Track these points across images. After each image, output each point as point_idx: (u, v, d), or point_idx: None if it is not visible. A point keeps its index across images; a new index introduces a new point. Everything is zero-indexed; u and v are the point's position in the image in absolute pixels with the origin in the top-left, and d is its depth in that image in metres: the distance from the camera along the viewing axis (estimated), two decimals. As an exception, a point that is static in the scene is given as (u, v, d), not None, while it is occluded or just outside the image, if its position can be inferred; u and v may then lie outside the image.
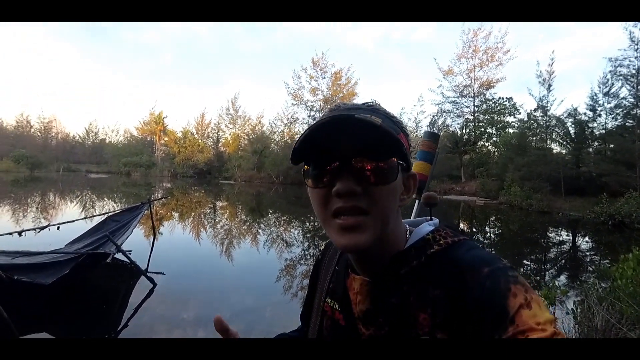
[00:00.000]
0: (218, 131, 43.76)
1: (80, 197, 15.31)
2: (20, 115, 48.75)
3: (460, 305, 0.42)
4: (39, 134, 48.45)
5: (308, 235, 8.99)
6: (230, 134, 41.84)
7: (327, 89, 35.96)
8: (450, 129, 31.49)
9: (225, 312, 3.60)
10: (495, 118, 27.72)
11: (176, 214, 11.28)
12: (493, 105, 27.71)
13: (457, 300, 0.42)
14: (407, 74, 63.20)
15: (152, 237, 4.92)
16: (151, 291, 3.82)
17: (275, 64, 73.01)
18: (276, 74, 75.10)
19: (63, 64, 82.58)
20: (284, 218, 12.28)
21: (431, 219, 0.58)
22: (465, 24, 27.20)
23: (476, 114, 29.30)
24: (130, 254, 3.92)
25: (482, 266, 0.43)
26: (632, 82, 18.05)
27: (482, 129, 28.84)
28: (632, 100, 18.18)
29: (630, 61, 17.74)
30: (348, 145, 0.45)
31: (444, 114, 32.82)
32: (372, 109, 0.50)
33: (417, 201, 1.01)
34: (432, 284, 0.46)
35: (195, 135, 43.04)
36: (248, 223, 10.42)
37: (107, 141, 50.76)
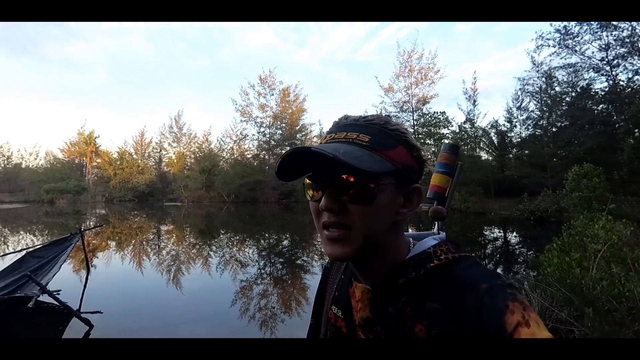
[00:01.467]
0: (160, 150, 41.09)
1: (-13, 233, 12.92)
2: None
3: (457, 320, 0.42)
4: None
5: (264, 253, 8.72)
6: (174, 153, 39.50)
7: (276, 105, 36.17)
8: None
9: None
10: (432, 130, 30.47)
11: (113, 243, 10.13)
12: (429, 119, 30.45)
13: (455, 315, 0.43)
14: (352, 91, 66.48)
15: (85, 272, 4.31)
16: (87, 335, 3.32)
17: (222, 80, 71.44)
18: (223, 90, 73.14)
19: (-36, 79, 70.68)
20: (237, 237, 11.78)
21: (438, 233, 0.59)
22: (399, 47, 29.84)
23: (416, 127, 31.85)
24: (58, 294, 3.38)
25: (481, 282, 0.43)
26: (537, 97, 21.57)
27: (422, 141, 31.42)
28: (538, 112, 21.68)
29: (534, 80, 21.26)
30: (331, 166, 0.47)
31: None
32: (368, 123, 0.51)
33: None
34: (430, 298, 0.47)
35: (134, 156, 39.74)
36: (197, 246, 9.78)
37: (23, 165, 44.17)
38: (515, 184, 20.18)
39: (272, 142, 36.57)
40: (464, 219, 15.54)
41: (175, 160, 38.17)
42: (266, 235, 12.33)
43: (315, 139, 40.29)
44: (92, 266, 6.47)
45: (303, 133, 38.24)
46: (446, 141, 28.65)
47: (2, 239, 11.32)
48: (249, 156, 35.91)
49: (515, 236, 11.49)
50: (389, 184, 0.49)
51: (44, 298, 3.33)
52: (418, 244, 0.55)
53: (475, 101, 24.90)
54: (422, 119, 31.01)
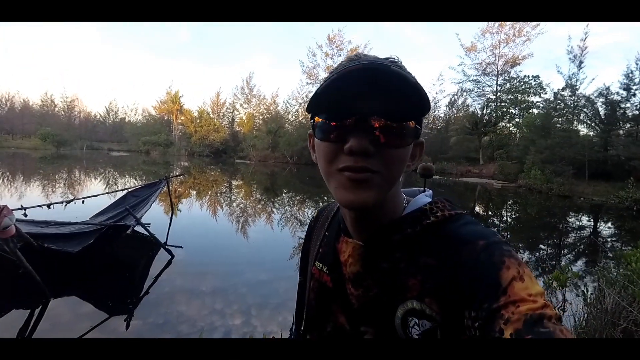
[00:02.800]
0: (233, 111, 43.94)
1: (103, 174, 15.96)
2: (44, 94, 50.57)
3: (453, 275, 0.43)
4: (62, 112, 50.19)
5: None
6: (245, 114, 41.96)
7: (343, 67, 35.02)
8: (470, 109, 30.34)
9: (241, 286, 3.77)
10: (519, 98, 26.39)
11: (194, 192, 11.62)
12: (517, 84, 26.30)
13: (450, 270, 0.43)
14: (428, 51, 60.54)
15: (170, 212, 5.12)
16: (169, 262, 4.03)
17: (292, 41, 71.50)
18: (293, 52, 73.73)
19: (82, 41, 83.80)
20: (298, 198, 12.43)
21: (424, 190, 0.57)
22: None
23: (499, 94, 27.96)
24: (149, 227, 4.11)
25: (478, 239, 0.43)
26: (674, 57, 16.65)
27: (505, 110, 27.62)
28: (672, 78, 16.86)
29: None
30: (369, 101, 0.43)
31: (465, 93, 31.58)
32: (398, 65, 0.45)
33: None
34: (425, 253, 0.47)
35: (211, 115, 43.41)
36: (263, 202, 10.62)
37: (126, 120, 52.13)
38: (620, 167, 16.75)
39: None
40: (543, 202, 13.74)
41: (245, 121, 40.63)
42: (324, 197, 12.75)
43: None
44: (177, 209, 7.60)
45: (369, 97, 36.76)
46: (535, 111, 24.79)
47: (114, 179, 13.89)
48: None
49: (609, 227, 9.82)
50: (419, 129, 0.47)
51: (139, 229, 4.09)
52: (412, 200, 0.54)
53: (581, 63, 20.31)
54: (507, 84, 27.00)
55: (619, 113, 19.48)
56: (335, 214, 0.64)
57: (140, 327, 2.76)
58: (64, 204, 4.17)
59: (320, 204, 11.00)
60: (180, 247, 4.50)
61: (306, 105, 0.47)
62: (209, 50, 78.18)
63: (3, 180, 11.97)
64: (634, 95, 18.85)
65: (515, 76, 26.61)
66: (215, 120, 42.34)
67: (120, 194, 5.22)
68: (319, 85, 0.44)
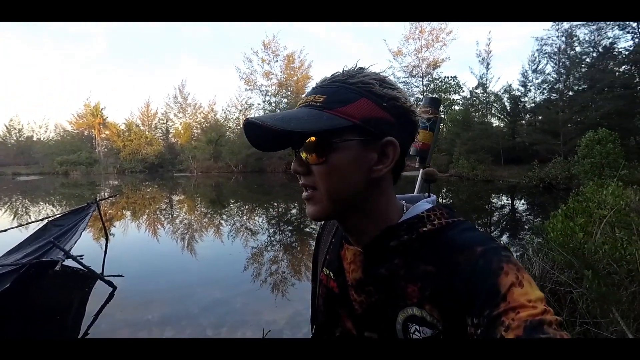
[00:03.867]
0: (167, 121, 40.99)
1: (9, 203, 13.50)
2: None
3: (452, 283, 0.43)
4: (-57, 134, 41.23)
5: (273, 221, 8.97)
6: (180, 124, 39.39)
7: (281, 72, 35.09)
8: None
9: (193, 307, 3.52)
10: (443, 96, 29.42)
11: (128, 213, 10.51)
12: (440, 84, 29.26)
13: (449, 277, 0.44)
14: (359, 56, 63.80)
15: (104, 239, 4.55)
16: (111, 295, 3.59)
17: (225, 47, 69.15)
18: (226, 57, 71.14)
19: (-35, 50, 69.95)
20: (247, 207, 12.07)
21: (429, 196, 0.59)
22: (411, 5, 27.95)
23: (425, 93, 30.76)
24: (82, 259, 3.60)
25: (476, 246, 0.44)
26: (555, 59, 20.39)
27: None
28: (555, 75, 20.61)
29: (552, 40, 19.97)
30: (291, 133, 0.50)
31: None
32: (329, 82, 0.50)
33: (420, 171, 0.96)
34: (423, 260, 0.47)
35: (141, 127, 39.81)
36: (209, 215, 10.08)
37: (35, 138, 44.83)
38: (526, 152, 19.78)
39: (278, 111, 35.96)
40: (471, 187, 15.52)
41: (182, 131, 38.15)
42: (274, 204, 12.57)
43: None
44: (110, 234, 6.79)
45: (309, 101, 37.33)
46: (457, 107, 27.88)
47: (24, 209, 11.84)
48: (255, 126, 35.64)
49: (523, 204, 11.49)
50: (347, 141, 0.47)
51: (69, 263, 3.57)
52: (411, 207, 0.54)
53: (488, 65, 23.73)
54: (432, 84, 29.87)
55: (520, 106, 23.31)
56: None
57: None
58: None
59: (271, 211, 10.84)
60: (121, 275, 4.04)
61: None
62: (130, 58, 71.34)
63: None
64: (529, 90, 22.91)
65: (437, 77, 29.55)
66: (147, 133, 38.94)
67: (36, 225, 4.48)
68: (255, 97, 0.50)
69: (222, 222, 8.85)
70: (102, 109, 40.74)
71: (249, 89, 35.52)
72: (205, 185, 20.31)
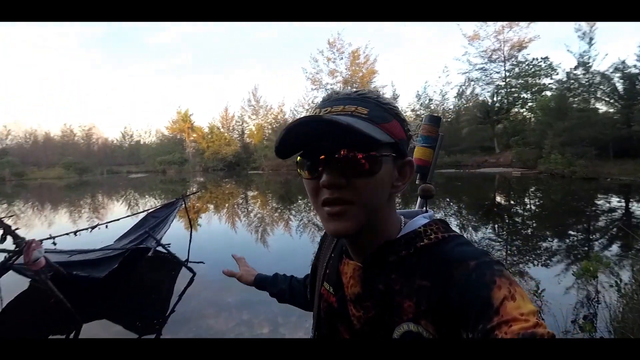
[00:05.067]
0: (242, 123, 44.64)
1: (124, 197, 16.48)
2: (64, 126, 52.92)
3: (446, 296, 0.43)
4: (82, 140, 52.35)
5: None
6: (254, 125, 42.52)
7: (346, 69, 35.10)
8: (480, 98, 29.70)
9: (265, 295, 3.76)
10: (530, 81, 25.63)
11: (211, 206, 11.82)
12: (527, 67, 25.57)
13: (443, 291, 0.44)
14: (429, 45, 59.94)
15: (189, 229, 5.21)
16: (191, 280, 4.09)
17: (294, 49, 72.36)
18: (295, 59, 74.52)
19: (95, 73, 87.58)
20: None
21: (426, 211, 0.60)
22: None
23: (508, 79, 27.25)
24: (169, 246, 4.19)
25: (469, 260, 0.44)
26: (694, 23, 15.89)
27: (516, 95, 26.87)
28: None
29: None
30: (332, 139, 0.47)
31: (472, 82, 30.94)
32: (362, 97, 0.50)
33: (419, 188, 1.02)
34: (419, 275, 0.48)
35: (221, 129, 44.24)
36: (279, 210, 10.69)
37: (142, 142, 53.77)
38: (647, 143, 15.99)
39: (321, 112, 36.14)
40: (567, 186, 13.22)
41: (255, 132, 41.18)
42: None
43: (388, 102, 38.21)
44: (196, 225, 7.74)
45: (375, 97, 36.59)
46: (549, 93, 23.96)
47: (135, 200, 14.31)
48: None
49: (641, 207, 9.32)
50: (389, 156, 0.49)
51: (161, 249, 4.18)
52: (409, 222, 0.55)
53: (591, 40, 19.68)
54: (516, 69, 26.32)
55: (638, 86, 18.64)
56: None
57: None
58: (89, 229, 4.31)
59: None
60: (202, 262, 4.56)
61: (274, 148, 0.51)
62: (211, 67, 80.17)
63: (33, 210, 12.53)
64: (654, 66, 18.07)
65: (523, 60, 25.88)
66: (226, 134, 43.12)
67: (141, 216, 5.36)
68: (311, 105, 0.48)
69: (291, 217, 9.29)
70: (190, 115, 46.49)
71: (315, 89, 36.31)
72: (275, 182, 21.58)
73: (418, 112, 37.80)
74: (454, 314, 0.42)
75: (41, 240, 3.14)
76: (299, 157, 0.52)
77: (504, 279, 0.41)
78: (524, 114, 27.27)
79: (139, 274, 4.13)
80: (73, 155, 43.13)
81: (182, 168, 40.74)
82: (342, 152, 0.46)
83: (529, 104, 26.40)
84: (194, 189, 17.48)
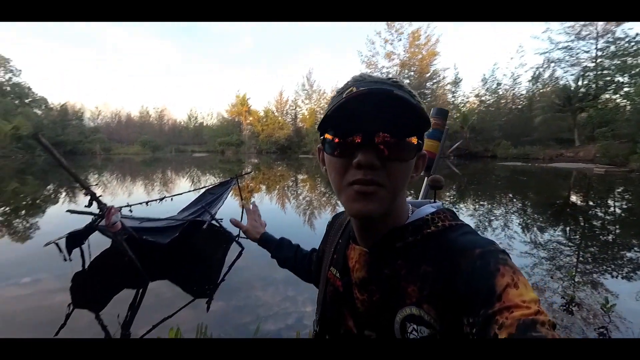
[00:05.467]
0: (295, 107, 45.56)
1: (188, 173, 18.17)
2: (141, 107, 59.63)
3: (450, 282, 0.44)
4: (155, 121, 58.57)
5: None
6: (306, 109, 43.08)
7: (404, 51, 33.32)
8: (561, 82, 26.00)
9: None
10: (630, 62, 21.58)
11: (263, 187, 12.44)
12: (627, 45, 21.53)
13: (448, 277, 0.44)
14: (501, 23, 53.60)
15: (241, 208, 5.57)
16: (240, 253, 4.39)
17: (350, 32, 70.67)
18: (349, 43, 72.82)
19: (166, 60, 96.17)
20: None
21: (435, 202, 0.59)
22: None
23: (599, 60, 23.28)
24: (221, 221, 4.54)
25: (474, 248, 0.45)
26: None
27: (608, 78, 22.88)
28: None
29: None
30: (373, 118, 0.47)
31: (552, 64, 27.18)
32: (397, 85, 0.50)
33: (425, 178, 1.01)
34: (424, 261, 0.48)
35: (275, 113, 45.70)
36: (327, 195, 10.82)
37: (204, 124, 58.30)
38: None
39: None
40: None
41: (307, 116, 41.75)
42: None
43: (449, 87, 35.59)
44: (249, 203, 8.22)
45: (434, 80, 34.30)
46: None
47: (198, 177, 15.71)
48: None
49: None
50: (420, 145, 0.50)
51: (215, 223, 4.54)
52: (417, 210, 0.56)
53: None
54: (611, 47, 22.31)
55: None
56: (349, 222, 0.67)
57: (224, 308, 3.06)
58: (158, 201, 4.85)
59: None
60: (252, 239, 4.84)
61: (317, 124, 0.51)
62: (270, 52, 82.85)
63: (117, 181, 14.51)
64: None
65: (622, 36, 21.81)
66: (280, 118, 44.47)
67: (200, 192, 5.86)
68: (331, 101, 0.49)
69: (338, 203, 9.36)
70: (248, 99, 48.74)
71: (370, 72, 35.21)
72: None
73: (483, 98, 34.57)
74: (458, 301, 0.42)
75: (120, 208, 3.62)
76: (326, 134, 0.51)
77: (508, 267, 0.42)
78: (617, 101, 23.17)
79: (196, 244, 4.55)
80: (148, 134, 48.51)
81: (239, 149, 43.36)
82: (382, 134, 0.46)
83: (625, 89, 22.28)
84: (248, 170, 18.51)
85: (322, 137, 0.52)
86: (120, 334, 2.57)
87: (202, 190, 5.74)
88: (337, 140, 0.49)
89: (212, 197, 5.27)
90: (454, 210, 0.55)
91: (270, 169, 20.84)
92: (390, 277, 0.51)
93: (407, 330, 0.48)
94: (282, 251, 0.97)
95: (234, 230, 4.87)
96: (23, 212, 7.46)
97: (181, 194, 5.49)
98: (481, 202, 8.85)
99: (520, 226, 6.22)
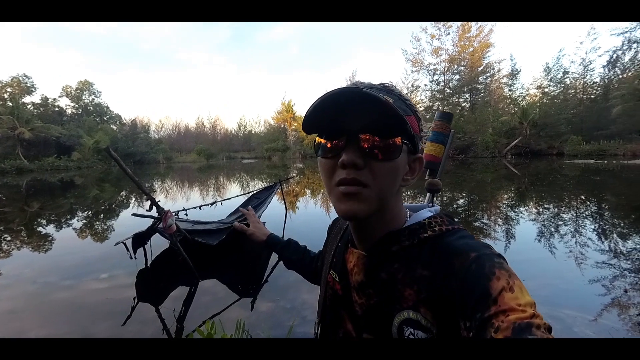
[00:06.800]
0: (339, 111, 45.73)
1: (238, 178, 19.24)
2: (197, 118, 65.00)
3: (446, 286, 0.44)
4: (209, 131, 63.21)
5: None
6: (350, 113, 43.12)
7: (453, 45, 31.61)
8: (646, 65, 22.41)
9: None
10: None
11: (308, 190, 12.65)
12: None
13: (443, 281, 0.45)
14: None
15: (284, 211, 5.73)
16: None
17: (395, 29, 69.40)
18: (395, 40, 71.31)
19: (219, 73, 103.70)
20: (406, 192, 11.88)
21: (433, 206, 0.59)
22: None
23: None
24: (265, 224, 4.69)
25: (470, 252, 0.45)
26: None
27: None
28: None
29: None
30: (355, 120, 0.48)
31: (635, 44, 23.57)
32: (387, 89, 0.52)
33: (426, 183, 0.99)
34: (421, 265, 0.49)
35: (319, 118, 46.43)
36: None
37: (253, 132, 61.43)
38: None
39: (447, 90, 32.79)
40: None
41: (351, 119, 41.79)
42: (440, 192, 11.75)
43: (505, 80, 32.81)
44: (295, 207, 8.43)
45: (488, 74, 31.92)
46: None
47: (246, 182, 16.55)
48: (421, 109, 34.10)
49: None
50: (407, 145, 0.50)
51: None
52: (414, 214, 0.56)
53: None
54: None
55: None
56: (348, 225, 0.67)
57: (273, 308, 3.15)
58: (210, 205, 5.20)
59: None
60: (294, 241, 4.94)
61: (301, 124, 0.52)
62: (315, 57, 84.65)
63: (177, 187, 15.93)
64: None
65: None
66: (323, 123, 45.10)
67: (247, 197, 6.16)
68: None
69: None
70: (293, 105, 50.23)
71: (416, 70, 34.14)
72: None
73: (546, 90, 31.22)
74: (454, 304, 0.43)
75: (177, 212, 3.94)
76: (317, 138, 0.53)
77: (504, 271, 0.42)
78: None
79: (241, 246, 4.77)
80: (203, 143, 52.51)
81: (285, 155, 44.81)
82: (365, 135, 0.48)
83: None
84: (294, 174, 18.98)
85: (314, 142, 0.54)
86: (176, 328, 2.78)
87: (249, 195, 6.02)
88: (324, 142, 0.52)
89: (257, 201, 5.51)
90: (453, 214, 0.52)
91: (314, 173, 21.14)
92: (388, 281, 0.52)
93: (405, 334, 0.48)
94: (289, 252, 0.99)
95: (278, 234, 5.01)
96: (102, 215, 8.54)
97: (230, 198, 5.82)
98: (545, 206, 7.94)
99: (595, 232, 5.44)
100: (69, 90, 48.66)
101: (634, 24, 22.25)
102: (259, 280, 3.82)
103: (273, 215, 5.88)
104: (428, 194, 0.93)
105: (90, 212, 9.02)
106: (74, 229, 6.89)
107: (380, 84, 0.53)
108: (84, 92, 49.57)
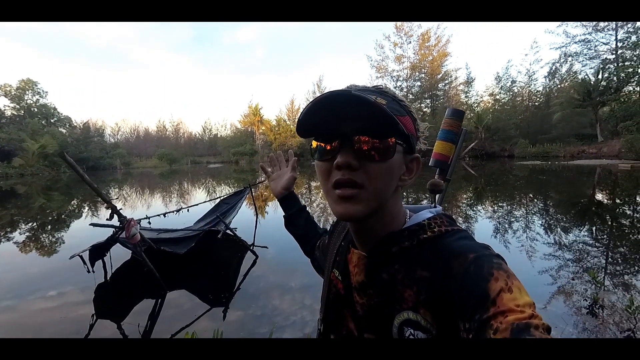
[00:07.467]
0: (307, 115, 45.93)
1: (204, 184, 18.54)
2: (158, 122, 61.79)
3: (444, 287, 0.44)
4: (171, 135, 60.35)
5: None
6: (318, 117, 43.45)
7: (414, 54, 33.20)
8: (580, 77, 25.14)
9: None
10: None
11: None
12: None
13: (443, 282, 0.45)
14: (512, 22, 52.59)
15: (255, 216, 5.63)
16: (254, 262, 4.41)
17: (359, 37, 71.23)
18: (359, 47, 73.36)
19: (181, 74, 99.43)
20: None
21: (435, 206, 0.59)
22: None
23: (620, 51, 22.40)
24: (236, 230, 4.59)
25: (469, 252, 0.45)
26: None
27: (631, 70, 21.97)
28: None
29: None
30: (349, 123, 0.49)
31: (570, 58, 26.37)
32: (380, 91, 0.53)
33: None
34: (420, 266, 0.49)
35: (287, 122, 46.25)
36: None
37: (218, 135, 59.70)
38: None
39: (410, 96, 34.29)
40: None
41: (319, 123, 42.11)
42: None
43: (461, 87, 35.04)
44: (264, 211, 8.30)
45: (446, 81, 33.89)
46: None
47: (213, 188, 16.00)
48: (386, 114, 35.40)
49: None
50: (402, 145, 0.51)
51: (230, 232, 4.60)
52: (414, 215, 0.56)
53: None
54: (633, 37, 21.48)
55: None
56: None
57: (241, 317, 3.07)
58: (176, 212, 4.97)
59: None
60: (266, 247, 4.88)
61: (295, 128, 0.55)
62: (280, 61, 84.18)
63: (137, 194, 14.97)
64: None
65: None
66: (292, 126, 44.94)
67: (215, 202, 5.97)
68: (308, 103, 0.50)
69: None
70: (260, 109, 49.60)
71: (380, 77, 35.28)
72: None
73: (498, 97, 33.79)
74: (452, 305, 0.43)
75: (139, 220, 3.72)
76: (313, 142, 0.54)
77: (502, 271, 0.42)
78: (642, 93, 22.17)
79: (211, 253, 4.62)
80: (165, 147, 50.03)
81: (252, 159, 44.01)
82: (359, 137, 0.48)
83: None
84: (262, 179, 18.70)
85: (310, 146, 0.55)
86: (141, 344, 2.63)
87: (217, 201, 5.84)
88: (320, 145, 0.52)
89: (226, 206, 5.35)
90: (451, 215, 0.55)
91: (283, 177, 20.97)
92: (388, 282, 0.52)
93: (405, 335, 0.49)
94: (299, 220, 1.00)
95: (248, 239, 4.91)
96: (49, 227, 7.79)
97: (197, 204, 5.61)
98: (500, 204, 8.59)
99: (542, 227, 5.99)
100: (8, 89, 43.96)
101: (569, 39, 24.95)
102: (231, 287, 3.72)
103: (243, 221, 5.76)
104: (437, 195, 0.93)
105: (35, 224, 8.19)
106: (15, 242, 6.21)
107: (374, 86, 0.54)
108: (27, 92, 45.05)
